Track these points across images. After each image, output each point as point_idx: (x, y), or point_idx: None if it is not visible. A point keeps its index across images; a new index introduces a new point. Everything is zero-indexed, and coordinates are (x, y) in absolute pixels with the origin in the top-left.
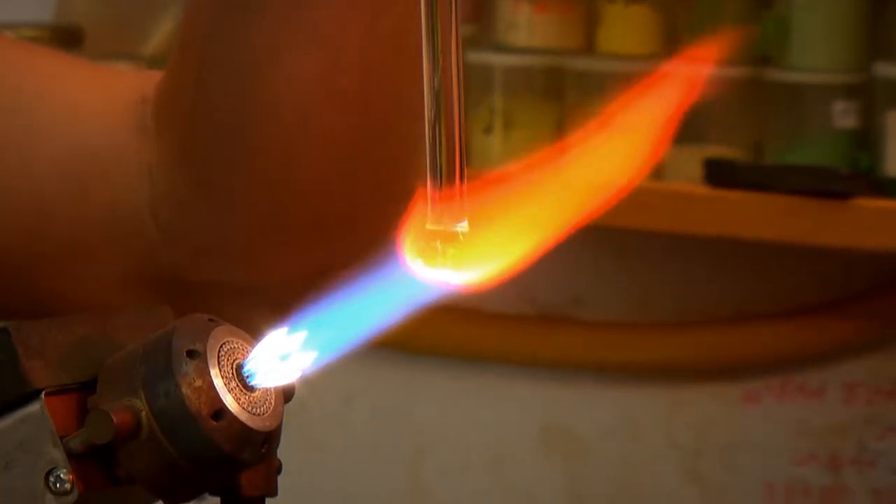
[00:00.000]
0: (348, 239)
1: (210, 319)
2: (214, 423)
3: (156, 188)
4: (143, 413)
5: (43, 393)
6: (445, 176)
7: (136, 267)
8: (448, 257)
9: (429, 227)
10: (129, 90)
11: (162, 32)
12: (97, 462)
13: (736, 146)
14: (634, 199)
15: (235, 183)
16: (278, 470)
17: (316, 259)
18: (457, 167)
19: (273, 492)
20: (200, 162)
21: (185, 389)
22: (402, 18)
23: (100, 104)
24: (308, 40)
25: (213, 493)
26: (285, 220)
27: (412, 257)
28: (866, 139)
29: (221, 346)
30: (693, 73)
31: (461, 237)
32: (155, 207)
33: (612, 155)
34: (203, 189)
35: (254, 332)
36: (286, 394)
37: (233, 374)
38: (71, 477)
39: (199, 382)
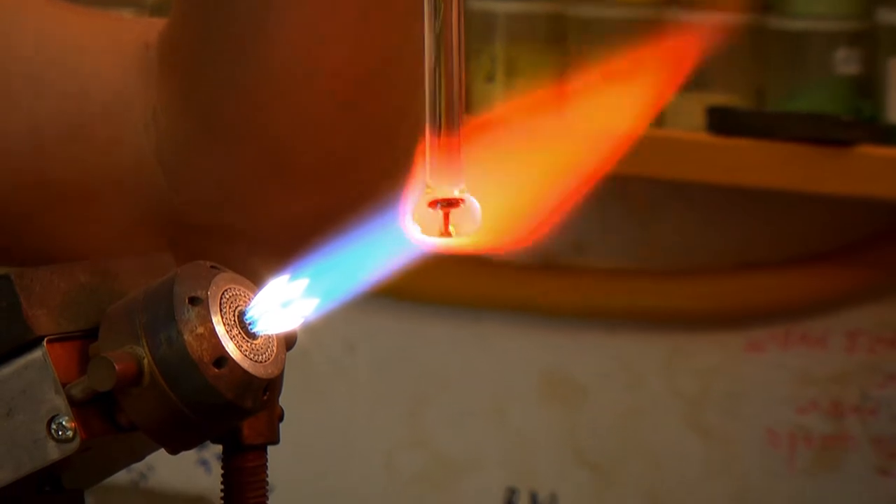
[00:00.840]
0: (350, 181)
1: (212, 266)
2: (216, 370)
3: (160, 133)
4: (145, 360)
5: (45, 340)
6: (444, 127)
7: (141, 212)
8: (450, 225)
9: (427, 192)
10: (132, 36)
11: None
12: (99, 409)
13: (738, 93)
14: (637, 147)
15: (239, 126)
16: (280, 418)
17: (318, 202)
18: (457, 119)
19: (275, 439)
20: (204, 105)
21: (186, 336)
22: None
23: (102, 49)
24: None
25: (214, 441)
26: (288, 163)
27: (414, 226)
28: (868, 86)
29: (223, 293)
30: (697, 21)
31: (461, 204)
32: (160, 152)
33: (616, 103)
34: (207, 132)
35: (256, 280)
36: (288, 341)
37: (235, 321)
38: (73, 424)
39: (200, 329)
